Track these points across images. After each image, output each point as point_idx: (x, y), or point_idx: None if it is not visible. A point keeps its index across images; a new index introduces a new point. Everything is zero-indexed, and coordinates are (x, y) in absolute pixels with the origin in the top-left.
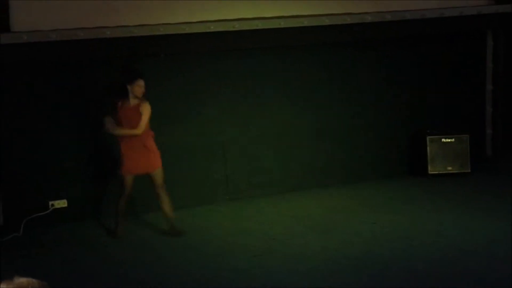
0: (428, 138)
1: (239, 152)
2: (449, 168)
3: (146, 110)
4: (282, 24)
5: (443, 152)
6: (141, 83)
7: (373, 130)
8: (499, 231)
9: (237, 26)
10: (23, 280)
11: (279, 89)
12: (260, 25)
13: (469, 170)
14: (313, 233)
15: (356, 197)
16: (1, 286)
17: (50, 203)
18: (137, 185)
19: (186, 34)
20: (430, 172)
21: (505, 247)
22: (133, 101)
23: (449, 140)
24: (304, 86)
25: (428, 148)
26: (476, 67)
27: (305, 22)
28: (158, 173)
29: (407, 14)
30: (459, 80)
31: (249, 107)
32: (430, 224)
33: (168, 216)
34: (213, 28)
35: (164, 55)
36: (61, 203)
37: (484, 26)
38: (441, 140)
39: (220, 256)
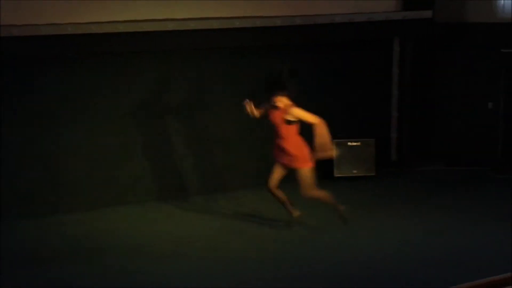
0: (334, 141)
1: (148, 154)
2: (355, 171)
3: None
4: (192, 25)
5: (349, 155)
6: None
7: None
8: (403, 234)
9: (146, 27)
10: None
11: (190, 91)
12: (170, 27)
13: (374, 174)
14: (221, 235)
15: (265, 199)
16: None
17: None
18: None
19: (94, 34)
20: (336, 175)
21: (412, 249)
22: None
23: (355, 143)
24: (212, 89)
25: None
26: (382, 72)
27: (215, 24)
28: (301, 173)
29: (317, 18)
30: (366, 85)
31: (159, 109)
32: (334, 227)
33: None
34: (122, 28)
35: (73, 56)
36: None
37: (391, 32)
38: (347, 143)
39: (127, 259)
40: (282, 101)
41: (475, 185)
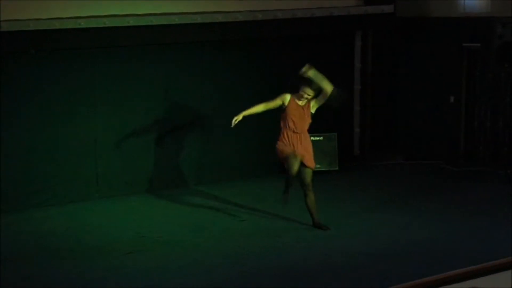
0: None
1: (111, 149)
2: (318, 166)
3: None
4: (154, 21)
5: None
6: (306, 90)
7: (244, 129)
8: (364, 227)
9: (108, 23)
10: None
11: (154, 86)
12: (131, 22)
13: (337, 168)
14: (184, 231)
15: (228, 195)
16: None
17: None
18: None
19: (57, 30)
20: None
21: (375, 243)
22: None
23: (318, 138)
24: (178, 84)
25: None
26: (344, 67)
27: (177, 20)
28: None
29: (279, 13)
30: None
31: (122, 105)
32: (298, 221)
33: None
34: (83, 24)
35: (35, 52)
36: None
37: (353, 26)
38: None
39: (91, 255)
40: (308, 94)
41: (433, 179)
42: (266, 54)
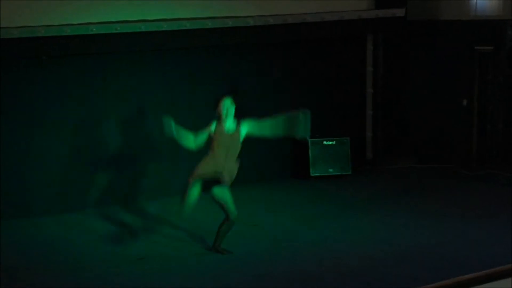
0: (310, 140)
1: (123, 155)
2: (331, 170)
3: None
4: (165, 27)
5: (325, 154)
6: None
7: None
8: (378, 231)
9: (119, 29)
10: None
11: (164, 90)
12: (143, 28)
13: (350, 172)
14: (195, 236)
15: (239, 199)
16: None
17: None
18: None
19: (68, 36)
20: (312, 175)
21: (385, 247)
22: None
23: (330, 142)
24: (186, 89)
25: (310, 150)
26: (356, 71)
27: (188, 25)
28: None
29: (289, 18)
30: (340, 84)
31: (133, 109)
32: (312, 226)
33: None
34: (95, 30)
35: (46, 58)
36: None
37: (364, 30)
38: (322, 142)
39: (103, 260)
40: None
41: (446, 183)
42: (278, 59)
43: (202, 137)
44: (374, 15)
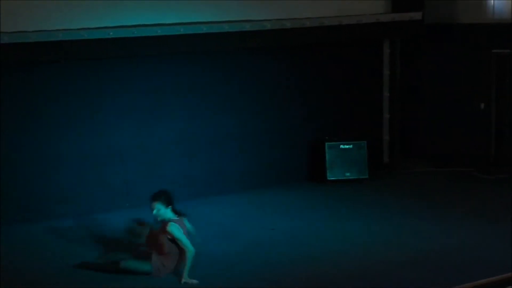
0: (326, 144)
1: (139, 158)
2: (347, 174)
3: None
4: (182, 30)
5: (342, 158)
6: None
7: (272, 137)
8: (396, 235)
9: (137, 33)
10: None
11: (179, 95)
12: (160, 32)
13: (367, 176)
14: (213, 240)
15: (256, 203)
16: None
17: None
18: None
19: (85, 40)
20: (328, 178)
21: (403, 251)
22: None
23: (347, 146)
24: (204, 93)
25: (326, 154)
26: (373, 74)
27: (205, 29)
28: None
29: (307, 21)
30: (357, 87)
31: (149, 113)
32: (329, 230)
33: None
34: (112, 34)
35: (64, 61)
36: None
37: (381, 34)
38: (339, 146)
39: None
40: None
41: (464, 186)
42: (296, 63)
43: None
44: (391, 19)
